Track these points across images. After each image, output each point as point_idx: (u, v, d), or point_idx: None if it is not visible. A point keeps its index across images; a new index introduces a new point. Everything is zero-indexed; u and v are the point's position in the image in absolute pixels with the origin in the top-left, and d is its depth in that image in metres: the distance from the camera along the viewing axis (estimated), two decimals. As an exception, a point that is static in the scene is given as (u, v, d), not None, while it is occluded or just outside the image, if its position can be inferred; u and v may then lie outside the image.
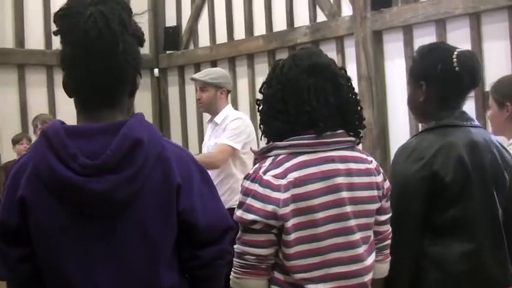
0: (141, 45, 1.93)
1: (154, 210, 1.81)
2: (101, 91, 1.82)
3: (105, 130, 1.78)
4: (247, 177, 2.18)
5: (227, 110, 5.46)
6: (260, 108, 2.28)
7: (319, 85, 2.18)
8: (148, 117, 10.55)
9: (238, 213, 2.15)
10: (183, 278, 1.94)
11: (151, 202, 1.80)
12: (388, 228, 2.38)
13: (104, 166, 1.73)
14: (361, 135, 2.31)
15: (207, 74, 5.54)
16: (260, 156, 2.23)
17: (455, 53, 2.57)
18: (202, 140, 10.59)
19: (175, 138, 10.87)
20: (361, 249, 2.18)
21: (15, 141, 7.16)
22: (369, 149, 7.95)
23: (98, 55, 1.77)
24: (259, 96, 2.35)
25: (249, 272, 2.17)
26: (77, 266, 1.78)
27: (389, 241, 2.39)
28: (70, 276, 1.78)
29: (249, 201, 2.11)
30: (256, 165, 2.20)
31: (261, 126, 2.28)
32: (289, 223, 2.09)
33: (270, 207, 2.08)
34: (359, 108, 2.31)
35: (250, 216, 2.10)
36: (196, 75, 5.58)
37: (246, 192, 2.13)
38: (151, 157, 1.79)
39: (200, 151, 5.78)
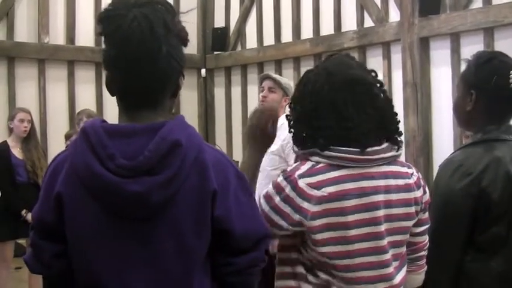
0: (185, 45, 1.89)
1: (188, 214, 1.77)
2: (142, 93, 1.81)
3: (143, 131, 1.75)
4: (283, 172, 2.13)
5: (283, 119, 5.43)
6: (293, 125, 2.21)
7: (356, 99, 2.10)
8: (194, 117, 10.68)
9: (264, 205, 2.09)
10: (215, 283, 1.89)
11: (186, 206, 1.77)
12: (424, 239, 2.30)
13: (141, 167, 1.70)
14: (400, 142, 2.21)
15: (279, 77, 5.42)
16: (302, 156, 2.16)
17: None
18: (247, 140, 10.84)
19: (220, 138, 11.00)
20: (391, 268, 2.12)
21: (67, 137, 7.34)
22: (413, 156, 7.95)
23: (141, 59, 1.75)
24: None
25: None
26: (108, 267, 1.76)
27: (424, 252, 2.32)
28: (101, 277, 1.76)
29: (278, 202, 2.06)
30: (295, 165, 2.13)
31: (297, 145, 2.20)
32: (318, 236, 2.04)
33: (297, 217, 2.04)
34: (395, 113, 2.23)
35: (277, 218, 2.06)
36: (271, 74, 5.53)
37: (278, 190, 2.08)
38: (189, 160, 1.75)
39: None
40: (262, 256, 1.91)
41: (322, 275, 2.09)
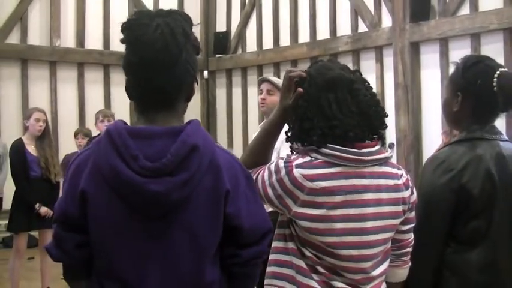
0: (198, 53, 1.94)
1: (203, 213, 1.84)
2: (161, 97, 1.86)
3: (164, 134, 1.81)
4: (284, 157, 2.21)
5: None
6: (291, 126, 2.29)
7: (338, 98, 2.17)
8: (197, 116, 10.91)
9: (266, 176, 2.18)
10: (222, 273, 1.96)
11: (201, 205, 1.83)
12: (409, 236, 2.35)
13: (164, 169, 1.75)
14: (384, 136, 2.32)
15: (277, 80, 5.27)
16: (302, 151, 2.22)
17: (498, 72, 2.50)
18: (247, 138, 11.17)
19: (222, 136, 11.31)
20: (370, 263, 2.20)
21: (74, 135, 7.47)
22: (404, 154, 8.26)
23: (163, 65, 1.81)
24: None
25: None
26: (128, 261, 1.83)
27: (409, 249, 2.37)
28: (121, 270, 1.84)
29: (274, 180, 2.16)
30: (297, 155, 2.20)
31: (296, 142, 2.28)
32: (302, 223, 2.13)
33: (288, 200, 2.14)
34: (381, 109, 2.28)
35: (271, 193, 2.16)
36: (269, 77, 5.35)
37: (276, 170, 2.17)
38: (205, 163, 1.82)
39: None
40: (265, 249, 2.00)
41: (311, 253, 2.18)
